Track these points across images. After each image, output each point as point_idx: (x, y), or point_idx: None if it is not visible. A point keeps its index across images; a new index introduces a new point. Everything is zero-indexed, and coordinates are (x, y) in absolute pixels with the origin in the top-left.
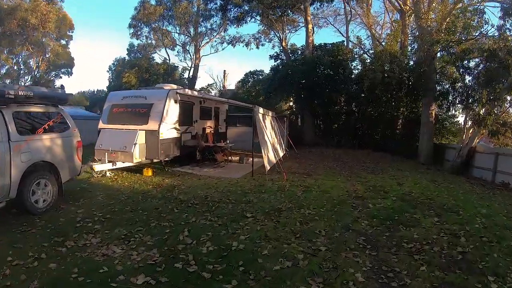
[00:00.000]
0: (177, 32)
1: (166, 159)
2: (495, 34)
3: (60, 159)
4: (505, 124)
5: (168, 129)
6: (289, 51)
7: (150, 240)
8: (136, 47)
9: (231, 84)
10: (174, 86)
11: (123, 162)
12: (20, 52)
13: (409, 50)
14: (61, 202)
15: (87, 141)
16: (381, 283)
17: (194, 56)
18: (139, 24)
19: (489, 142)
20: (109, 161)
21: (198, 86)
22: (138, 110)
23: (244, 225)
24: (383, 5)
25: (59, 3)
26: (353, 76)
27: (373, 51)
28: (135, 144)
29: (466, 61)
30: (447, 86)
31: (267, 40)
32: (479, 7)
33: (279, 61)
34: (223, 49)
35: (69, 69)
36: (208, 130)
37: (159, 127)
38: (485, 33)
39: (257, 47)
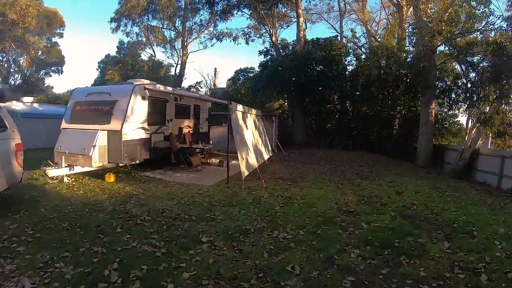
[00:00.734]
0: (164, 28)
1: (132, 163)
2: (503, 26)
3: None
4: None
5: (134, 129)
6: (280, 46)
7: (70, 273)
8: (126, 45)
9: (222, 82)
10: (145, 81)
11: (83, 167)
12: (8, 49)
13: (407, 43)
14: None
15: None
16: None
17: (181, 52)
18: (121, 18)
19: (491, 143)
20: (66, 165)
21: (186, 84)
22: (101, 108)
23: (195, 254)
24: (379, 1)
25: None
26: (347, 72)
27: (368, 46)
28: (94, 146)
29: (470, 56)
30: (449, 82)
31: (258, 36)
32: None
33: (268, 56)
34: (212, 45)
35: (60, 67)
36: (186, 130)
37: (122, 127)
38: (491, 23)
39: (247, 43)
